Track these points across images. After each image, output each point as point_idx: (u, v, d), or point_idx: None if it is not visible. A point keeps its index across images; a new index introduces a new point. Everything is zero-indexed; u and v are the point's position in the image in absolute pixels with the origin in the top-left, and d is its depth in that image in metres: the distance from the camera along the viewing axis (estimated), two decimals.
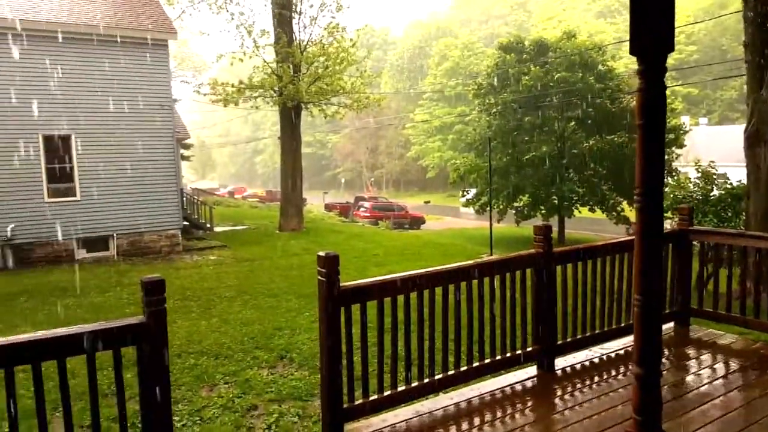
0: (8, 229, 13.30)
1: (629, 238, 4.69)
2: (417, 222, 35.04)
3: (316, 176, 79.09)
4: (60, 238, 14.05)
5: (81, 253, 14.50)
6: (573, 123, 24.60)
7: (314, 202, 47.37)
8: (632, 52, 2.13)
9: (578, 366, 4.15)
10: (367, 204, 37.11)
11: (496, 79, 26.50)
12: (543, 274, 3.93)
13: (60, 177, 14.09)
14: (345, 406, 3.09)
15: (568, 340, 4.18)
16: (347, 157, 73.21)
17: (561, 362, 4.13)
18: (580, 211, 26.06)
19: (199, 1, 20.76)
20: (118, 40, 14.36)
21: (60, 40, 13.48)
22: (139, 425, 2.56)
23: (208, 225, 20.50)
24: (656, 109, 2.13)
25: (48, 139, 13.83)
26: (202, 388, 5.50)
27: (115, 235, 14.86)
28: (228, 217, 26.68)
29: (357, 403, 3.17)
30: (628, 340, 4.48)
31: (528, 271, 3.91)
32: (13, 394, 2.19)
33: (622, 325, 4.48)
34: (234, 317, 8.33)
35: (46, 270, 13.07)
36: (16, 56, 13.14)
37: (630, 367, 4.05)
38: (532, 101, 24.73)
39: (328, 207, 40.81)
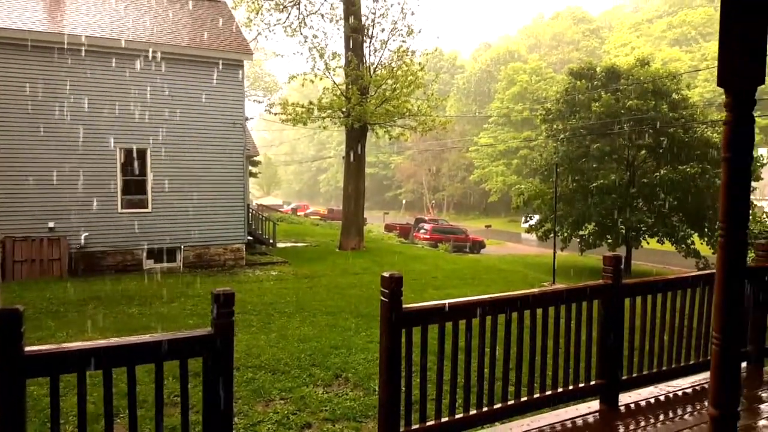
0: (82, 237, 14.04)
1: (705, 272, 4.47)
2: (477, 246, 34.59)
3: (378, 196, 79.84)
4: (130, 248, 14.76)
5: (149, 264, 15.09)
6: (644, 152, 23.80)
7: (375, 222, 47.73)
8: (720, 83, 2.03)
9: (643, 403, 3.98)
10: (427, 226, 37.01)
11: (564, 105, 26.06)
12: (611, 305, 3.79)
13: (133, 189, 14.75)
14: (402, 430, 3.05)
15: (634, 375, 4.03)
16: (409, 179, 73.60)
17: (625, 398, 3.98)
18: (648, 242, 25.03)
19: (274, 24, 21.67)
20: (198, 59, 15.14)
21: (140, 57, 14.31)
22: None
23: (271, 240, 21.04)
24: (743, 143, 2.02)
25: (125, 153, 14.54)
26: (258, 403, 5.57)
27: (182, 247, 15.44)
28: (290, 233, 27.31)
29: (414, 427, 3.12)
30: (696, 379, 4.32)
31: (595, 302, 3.78)
32: (84, 397, 2.29)
33: (691, 362, 4.29)
34: (292, 333, 8.44)
35: (115, 278, 13.55)
36: (99, 73, 14.05)
37: (698, 406, 3.91)
38: (602, 128, 24.11)
39: (389, 227, 40.97)
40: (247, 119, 17.76)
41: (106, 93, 14.13)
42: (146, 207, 14.91)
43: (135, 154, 14.66)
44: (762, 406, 3.96)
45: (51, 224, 13.69)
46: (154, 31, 15.45)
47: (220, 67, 15.54)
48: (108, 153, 14.30)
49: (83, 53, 13.74)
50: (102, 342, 2.38)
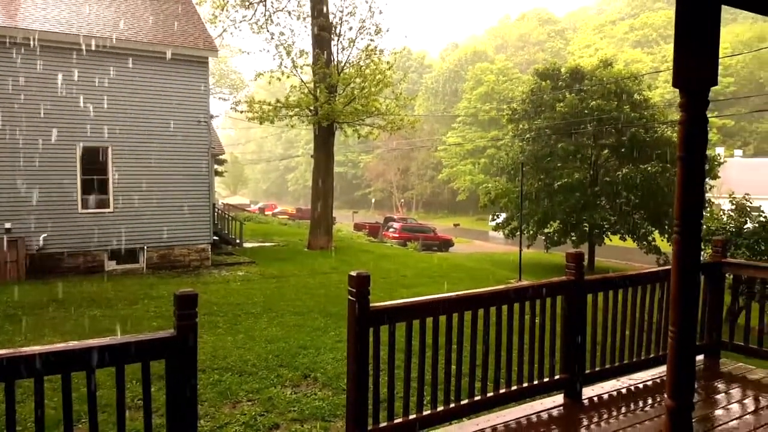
0: (40, 238, 13.58)
1: (662, 268, 4.59)
2: (446, 244, 34.85)
3: (347, 195, 79.68)
4: (91, 249, 14.33)
5: (111, 265, 14.69)
6: (606, 151, 24.37)
7: (344, 221, 47.60)
8: (675, 84, 2.11)
9: (606, 396, 4.08)
10: (396, 225, 37.14)
11: (530, 105, 26.47)
12: (574, 301, 3.87)
13: (94, 188, 14.32)
14: (370, 428, 3.06)
15: (597, 369, 4.13)
16: (378, 178, 73.62)
17: (588, 391, 4.07)
18: (610, 240, 25.66)
19: (240, 21, 21.38)
20: (161, 55, 14.80)
21: (103, 54, 13.92)
22: None
23: (238, 240, 20.77)
24: (697, 142, 2.10)
25: (85, 151, 14.10)
26: (225, 405, 5.50)
27: (145, 247, 15.09)
28: (257, 233, 27.01)
29: (382, 425, 3.13)
30: (656, 372, 4.43)
31: (559, 298, 3.86)
32: (41, 403, 2.22)
33: (651, 356, 4.42)
34: (259, 334, 8.36)
35: (76, 280, 13.19)
36: (60, 69, 13.60)
37: (658, 398, 4.02)
38: (566, 128, 24.60)
39: (358, 226, 40.94)
40: (212, 117, 17.49)
41: (66, 90, 13.69)
42: (108, 207, 14.52)
43: (95, 153, 14.25)
44: (718, 397, 4.11)
45: (7, 225, 13.20)
46: (116, 26, 15.05)
47: (184, 63, 15.25)
48: (67, 151, 13.87)
49: (41, 49, 13.31)
50: (60, 345, 2.31)
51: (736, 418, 3.68)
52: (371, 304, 3.01)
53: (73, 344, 2.32)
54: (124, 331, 8.38)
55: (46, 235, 13.64)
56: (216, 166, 27.34)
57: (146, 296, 11.35)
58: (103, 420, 4.31)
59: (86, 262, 14.30)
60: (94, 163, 14.26)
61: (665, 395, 2.26)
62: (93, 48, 13.79)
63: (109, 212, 14.51)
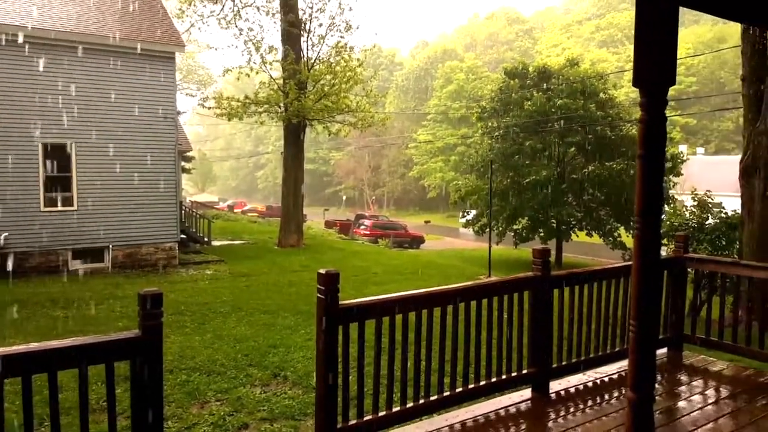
0: (1, 237, 13.13)
1: (626, 263, 4.69)
2: (417, 241, 35.01)
3: (318, 193, 79.21)
4: (54, 248, 13.96)
5: (75, 264, 14.33)
6: (573, 149, 24.83)
7: (315, 218, 47.32)
8: (635, 84, 2.16)
9: (572, 389, 4.16)
10: (367, 222, 37.12)
11: (499, 104, 26.77)
12: (541, 296, 3.93)
13: (57, 186, 13.97)
14: (339, 426, 3.06)
15: (563, 363, 4.21)
16: (349, 175, 73.34)
17: (555, 385, 4.14)
18: (577, 236, 26.15)
19: (208, 16, 21.00)
20: (126, 50, 14.47)
21: (66, 48, 13.54)
22: None
23: (206, 239, 20.48)
24: (657, 140, 2.15)
25: (47, 148, 13.74)
26: (193, 405, 5.42)
27: (110, 246, 14.75)
28: (226, 231, 26.65)
29: (352, 423, 3.13)
30: (621, 365, 4.52)
31: (526, 293, 3.92)
32: (1, 407, 2.16)
33: (617, 349, 4.51)
34: (228, 333, 8.26)
35: (39, 280, 12.84)
36: (19, 63, 13.21)
37: (623, 391, 4.09)
38: (534, 126, 24.97)
39: (329, 224, 40.78)
40: (179, 113, 17.18)
41: (27, 85, 13.30)
42: (71, 205, 14.15)
43: (58, 150, 13.87)
44: (680, 388, 4.23)
45: None
46: (80, 20, 14.64)
47: (150, 59, 14.93)
48: (29, 148, 13.48)
49: (1, 42, 12.87)
50: (20, 347, 2.25)
51: (697, 409, 3.80)
52: (341, 302, 3.01)
53: (33, 346, 2.26)
54: (89, 332, 8.18)
55: (7, 234, 13.22)
56: (183, 163, 26.89)
57: (111, 296, 11.10)
58: (67, 423, 4.18)
59: (49, 262, 13.91)
60: (57, 160, 13.89)
61: (627, 388, 2.32)
62: (55, 42, 13.40)
63: (73, 210, 14.15)
